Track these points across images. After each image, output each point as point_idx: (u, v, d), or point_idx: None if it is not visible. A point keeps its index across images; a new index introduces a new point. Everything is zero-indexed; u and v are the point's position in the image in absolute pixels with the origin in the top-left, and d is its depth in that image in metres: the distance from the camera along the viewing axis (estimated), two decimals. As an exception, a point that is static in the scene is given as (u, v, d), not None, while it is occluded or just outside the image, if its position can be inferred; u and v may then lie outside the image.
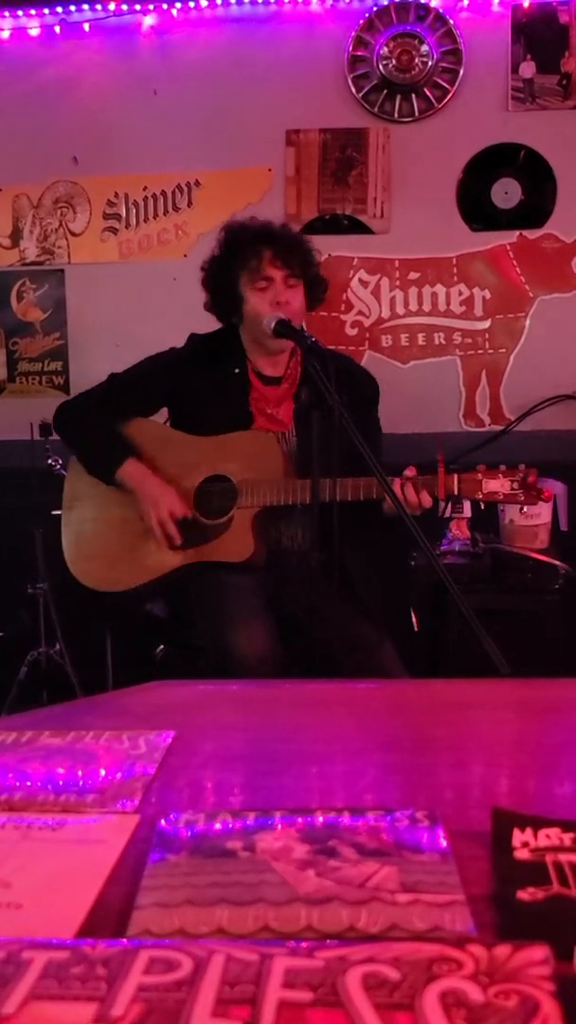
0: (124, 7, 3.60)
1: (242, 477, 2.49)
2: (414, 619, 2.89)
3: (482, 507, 2.54)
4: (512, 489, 2.38)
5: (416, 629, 2.88)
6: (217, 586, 2.45)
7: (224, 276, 2.54)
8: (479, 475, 2.38)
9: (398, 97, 3.61)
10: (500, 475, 2.39)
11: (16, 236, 3.80)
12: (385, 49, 3.55)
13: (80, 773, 1.03)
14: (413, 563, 2.99)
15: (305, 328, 2.50)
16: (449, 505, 3.07)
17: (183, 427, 2.61)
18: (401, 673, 2.36)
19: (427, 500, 2.34)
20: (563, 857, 0.80)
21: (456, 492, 2.38)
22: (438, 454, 2.37)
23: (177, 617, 2.64)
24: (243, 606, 2.39)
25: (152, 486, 2.53)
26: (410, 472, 2.36)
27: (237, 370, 2.59)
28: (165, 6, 3.60)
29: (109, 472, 2.55)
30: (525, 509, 3.03)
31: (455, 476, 2.37)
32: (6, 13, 3.63)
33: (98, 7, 3.61)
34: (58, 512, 2.69)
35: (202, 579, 2.50)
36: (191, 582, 2.52)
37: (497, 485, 2.38)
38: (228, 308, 2.59)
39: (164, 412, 2.69)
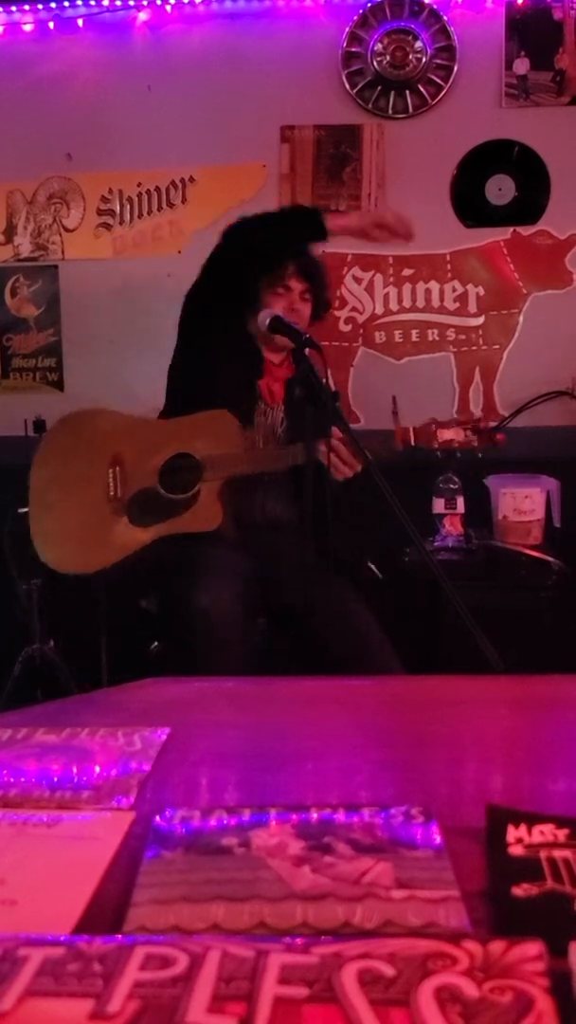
0: (118, 2, 3.60)
1: (205, 453, 2.56)
2: (375, 569, 2.90)
3: (439, 455, 2.58)
4: (466, 436, 2.46)
5: (380, 577, 2.89)
6: (189, 553, 2.52)
7: (242, 273, 2.62)
8: (432, 426, 2.50)
9: (392, 93, 3.61)
10: (454, 424, 2.50)
11: (10, 232, 3.80)
12: (379, 45, 3.55)
13: (75, 770, 1.03)
14: (407, 559, 3.00)
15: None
16: (443, 501, 3.09)
17: (196, 359, 2.68)
18: (394, 661, 2.39)
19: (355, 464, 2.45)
20: (557, 853, 0.80)
21: (412, 443, 2.45)
22: (392, 409, 2.44)
23: (170, 613, 2.66)
24: (211, 566, 2.46)
25: None
26: (338, 433, 2.44)
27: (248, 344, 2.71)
28: (159, 1, 3.59)
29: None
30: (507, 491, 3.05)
31: (410, 428, 2.45)
32: (-1, 8, 3.63)
33: (92, 2, 3.60)
34: (24, 510, 2.70)
35: (175, 550, 2.55)
36: (164, 556, 2.56)
37: (451, 434, 2.49)
38: (240, 302, 2.67)
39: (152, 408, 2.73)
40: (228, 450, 2.54)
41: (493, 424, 2.51)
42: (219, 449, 2.55)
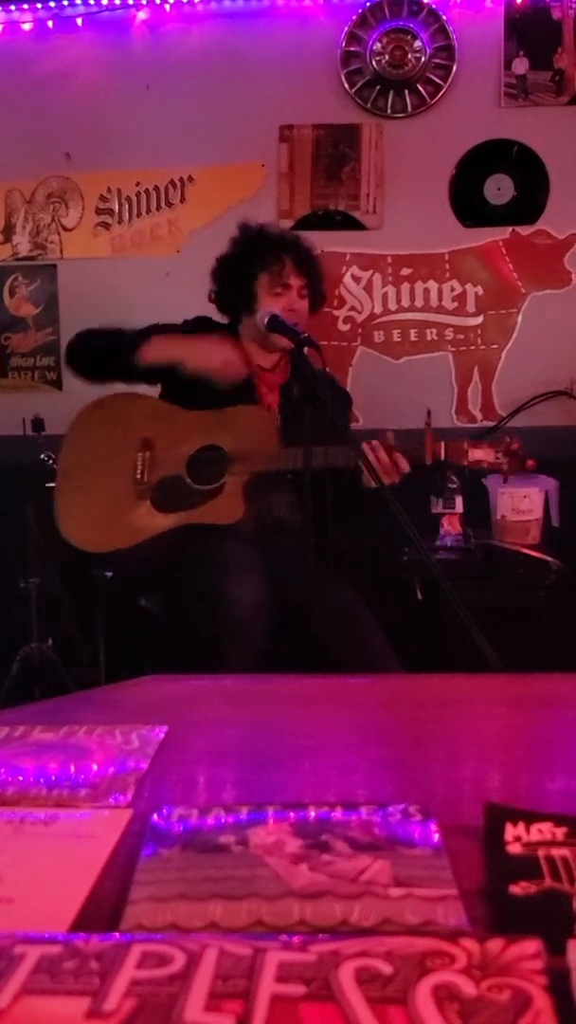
0: (117, 1, 3.59)
1: (234, 447, 2.57)
2: (419, 592, 2.90)
3: (466, 473, 2.60)
4: (497, 458, 2.45)
5: (420, 597, 2.90)
6: (211, 544, 2.52)
7: (241, 274, 2.66)
8: (465, 444, 2.51)
9: (391, 93, 3.60)
10: (485, 444, 2.52)
11: (8, 231, 3.80)
12: (378, 45, 3.55)
13: (73, 768, 1.03)
14: (406, 558, 3.00)
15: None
16: (441, 501, 3.08)
17: (183, 392, 2.65)
18: (394, 664, 2.39)
19: (403, 464, 2.44)
20: (555, 851, 0.80)
21: (443, 458, 2.47)
22: (426, 420, 2.44)
23: (169, 612, 2.66)
24: (237, 557, 2.47)
25: (188, 344, 2.59)
26: (386, 437, 2.48)
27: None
28: (158, 1, 3.59)
29: (134, 349, 2.58)
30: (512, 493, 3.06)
31: (442, 443, 2.45)
32: (-2, 7, 3.63)
33: (91, 1, 3.60)
34: (51, 484, 2.71)
35: (195, 541, 2.55)
36: (184, 546, 2.55)
37: (482, 454, 2.49)
38: (237, 303, 2.70)
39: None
40: (260, 446, 2.55)
41: (520, 451, 2.50)
42: (250, 444, 2.56)
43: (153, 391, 2.74)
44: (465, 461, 2.49)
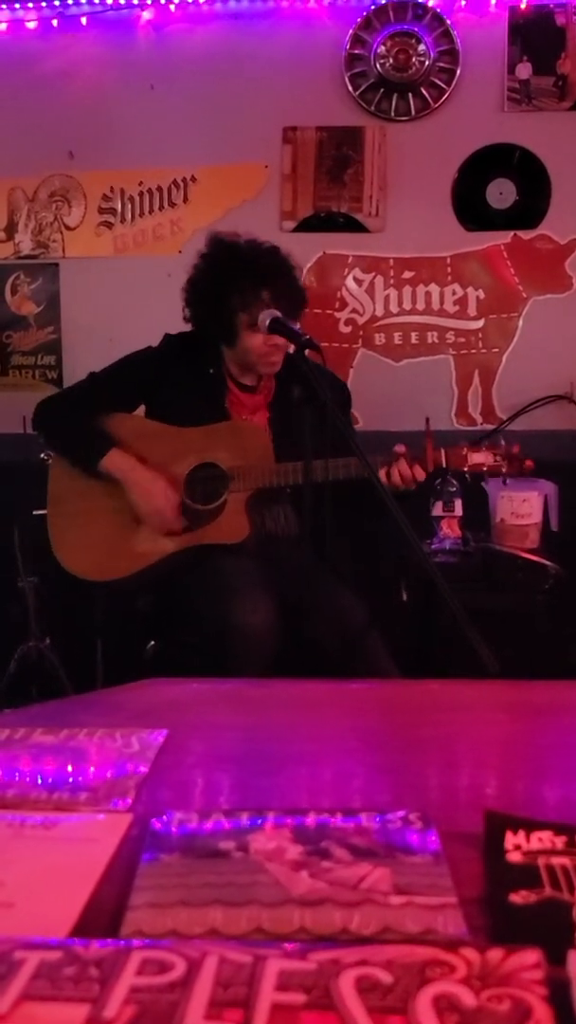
0: (122, 1, 3.59)
1: (232, 464, 2.55)
2: (403, 593, 2.91)
3: (468, 479, 2.61)
4: (496, 461, 2.48)
5: (404, 599, 2.91)
6: (216, 566, 2.50)
7: (218, 304, 2.57)
8: (464, 449, 2.52)
9: (395, 96, 3.60)
10: (484, 449, 2.54)
11: (11, 229, 3.79)
12: (382, 48, 3.55)
13: (73, 771, 1.03)
14: (404, 561, 2.99)
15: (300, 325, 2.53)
16: (440, 504, 3.08)
17: (165, 410, 2.65)
18: (388, 661, 2.39)
19: (420, 473, 2.45)
20: (555, 860, 0.80)
21: (444, 465, 2.50)
22: (425, 429, 2.45)
23: (167, 613, 2.65)
24: (244, 580, 2.44)
25: (140, 476, 2.57)
26: (400, 449, 2.46)
27: (212, 370, 2.65)
28: (163, 0, 3.58)
29: (93, 462, 2.58)
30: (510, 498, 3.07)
31: (442, 450, 2.49)
32: (3, 6, 3.62)
33: (96, 0, 3.59)
34: (40, 512, 2.69)
35: (199, 563, 2.53)
36: (187, 568, 2.53)
37: (482, 458, 2.53)
38: (217, 332, 2.62)
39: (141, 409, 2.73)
40: (256, 461, 2.53)
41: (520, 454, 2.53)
42: (246, 460, 2.54)
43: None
44: (466, 466, 2.50)
